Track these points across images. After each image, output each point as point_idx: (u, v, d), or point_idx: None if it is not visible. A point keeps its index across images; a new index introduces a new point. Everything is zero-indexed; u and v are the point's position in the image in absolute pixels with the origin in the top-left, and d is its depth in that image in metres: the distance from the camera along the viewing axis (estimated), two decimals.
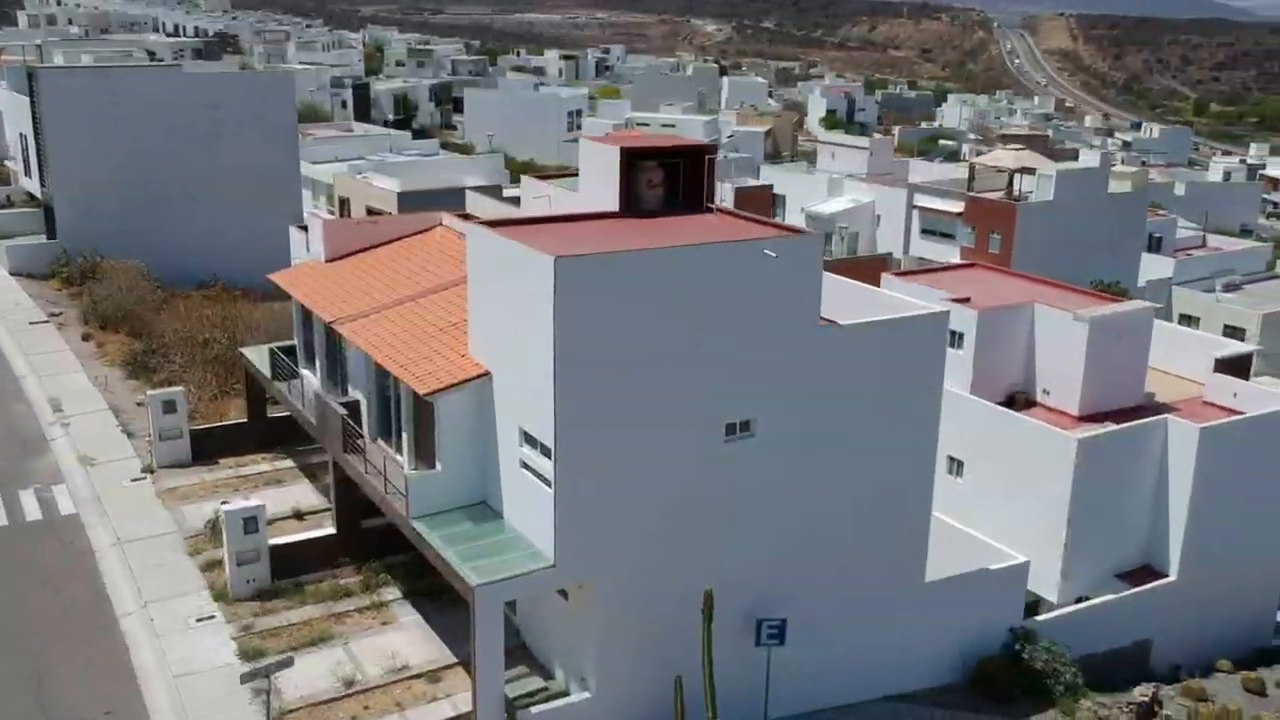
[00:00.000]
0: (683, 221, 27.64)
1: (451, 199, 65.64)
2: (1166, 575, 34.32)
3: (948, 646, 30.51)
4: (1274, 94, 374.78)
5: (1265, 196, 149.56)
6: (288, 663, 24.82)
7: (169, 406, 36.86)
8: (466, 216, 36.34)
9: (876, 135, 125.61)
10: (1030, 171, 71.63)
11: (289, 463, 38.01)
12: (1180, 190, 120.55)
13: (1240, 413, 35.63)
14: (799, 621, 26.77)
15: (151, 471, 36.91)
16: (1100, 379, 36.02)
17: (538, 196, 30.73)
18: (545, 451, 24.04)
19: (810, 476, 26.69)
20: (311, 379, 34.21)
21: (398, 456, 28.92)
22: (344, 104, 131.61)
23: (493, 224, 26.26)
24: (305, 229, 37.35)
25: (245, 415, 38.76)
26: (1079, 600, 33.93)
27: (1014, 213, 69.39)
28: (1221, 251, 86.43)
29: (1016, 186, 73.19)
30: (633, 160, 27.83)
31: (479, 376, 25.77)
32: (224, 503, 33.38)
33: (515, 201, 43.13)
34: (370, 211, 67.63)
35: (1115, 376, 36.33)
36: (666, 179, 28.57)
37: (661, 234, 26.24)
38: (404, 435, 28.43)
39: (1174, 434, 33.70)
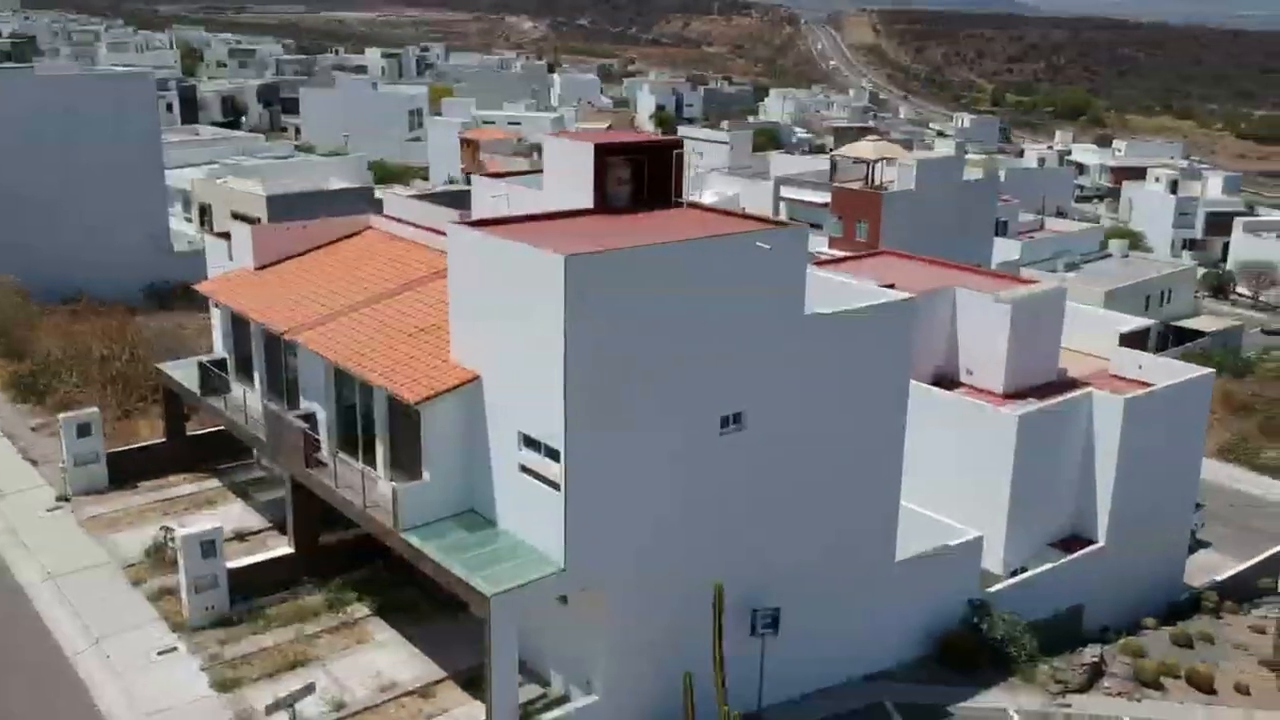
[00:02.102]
0: (659, 217, 27.56)
1: (322, 202, 63.84)
2: (1095, 542, 36.06)
3: (915, 623, 31.35)
4: (1061, 84, 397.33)
5: (1076, 181, 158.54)
6: (310, 689, 23.74)
7: (83, 430, 34.66)
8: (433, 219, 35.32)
9: (725, 126, 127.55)
10: (890, 161, 74.07)
11: (215, 482, 36.26)
12: (1001, 177, 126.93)
13: (1147, 383, 37.71)
14: (784, 609, 27.08)
15: (67, 500, 34.67)
16: (1022, 358, 37.51)
17: (495, 195, 30.07)
18: (552, 454, 23.62)
19: (795, 464, 27.02)
20: (248, 393, 32.64)
21: (366, 468, 27.91)
22: (169, 107, 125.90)
23: (474, 224, 25.61)
24: (226, 236, 35.60)
25: (163, 435, 36.72)
26: (1017, 571, 35.33)
27: (879, 201, 71.66)
28: (1060, 234, 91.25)
29: (876, 176, 75.62)
30: (604, 157, 27.56)
31: (468, 381, 25.12)
32: (165, 528, 31.85)
33: (452, 201, 42.06)
34: (236, 218, 65.08)
35: (1034, 355, 37.92)
36: (634, 175, 28.42)
37: (646, 230, 26.11)
38: (379, 446, 27.46)
39: (1099, 406, 35.47)
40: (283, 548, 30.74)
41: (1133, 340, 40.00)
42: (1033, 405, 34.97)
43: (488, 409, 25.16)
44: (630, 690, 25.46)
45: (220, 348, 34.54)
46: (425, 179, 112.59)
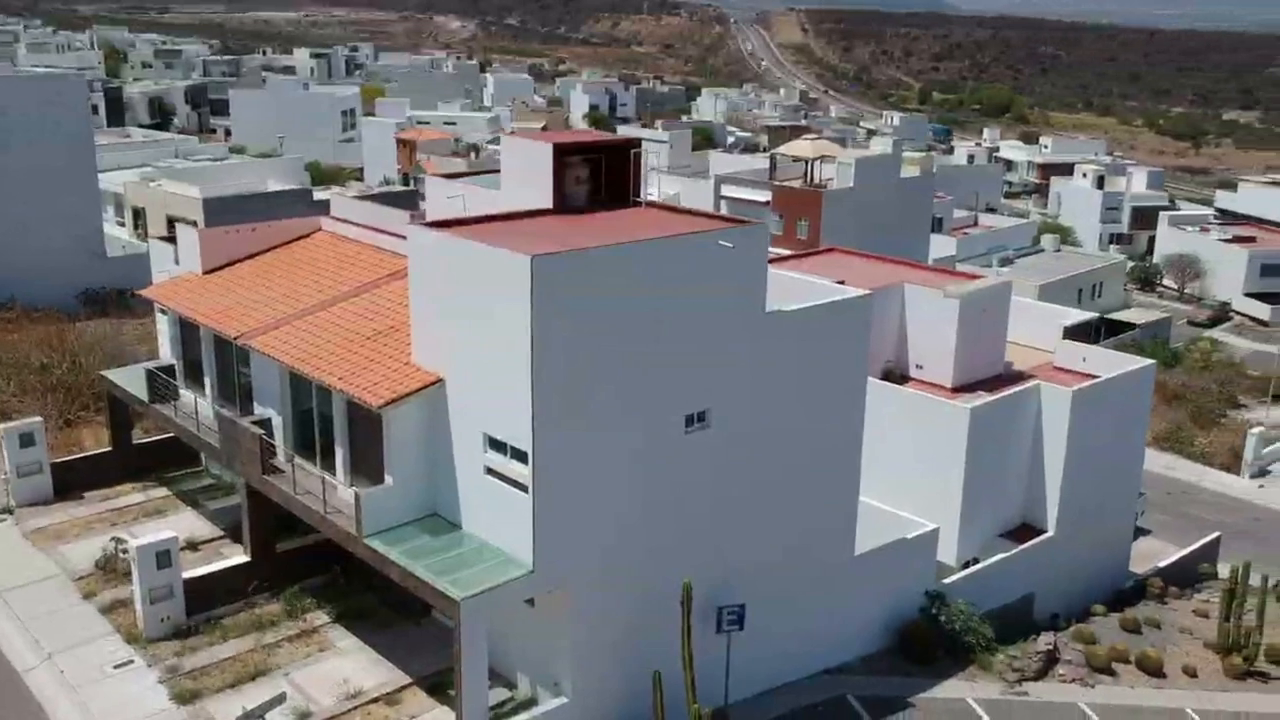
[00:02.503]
0: (618, 216, 27.54)
1: (260, 204, 62.90)
2: (1045, 531, 36.69)
3: (874, 615, 31.69)
4: (986, 82, 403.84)
5: (1004, 178, 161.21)
6: (281, 699, 23.36)
7: (26, 439, 33.82)
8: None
9: (659, 125, 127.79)
10: (829, 159, 74.73)
11: (164, 491, 35.56)
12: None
13: (1091, 375, 38.44)
14: (748, 606, 27.18)
15: (10, 511, 33.77)
16: (970, 351, 38.06)
17: (451, 196, 29.81)
18: (519, 456, 23.51)
19: (757, 461, 27.15)
20: (199, 400, 32.04)
21: (324, 474, 27.54)
22: (95, 109, 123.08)
23: (434, 225, 25.38)
24: (172, 239, 34.92)
25: (108, 444, 35.92)
26: (969, 562, 35.84)
27: (820, 199, 72.27)
28: (993, 229, 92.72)
29: (815, 174, 76.25)
30: (563, 157, 27.48)
31: (432, 384, 24.91)
32: (115, 540, 31.18)
33: (396, 202, 41.59)
34: (171, 222, 63.91)
35: (982, 348, 38.49)
36: (592, 175, 28.39)
37: (607, 229, 26.06)
38: (338, 451, 27.12)
39: (1047, 398, 36.08)
40: (238, 556, 30.23)
41: (1076, 333, 40.73)
42: (984, 398, 35.48)
43: (451, 411, 24.96)
44: (599, 690, 25.44)
45: (168, 353, 33.84)
46: (360, 180, 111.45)
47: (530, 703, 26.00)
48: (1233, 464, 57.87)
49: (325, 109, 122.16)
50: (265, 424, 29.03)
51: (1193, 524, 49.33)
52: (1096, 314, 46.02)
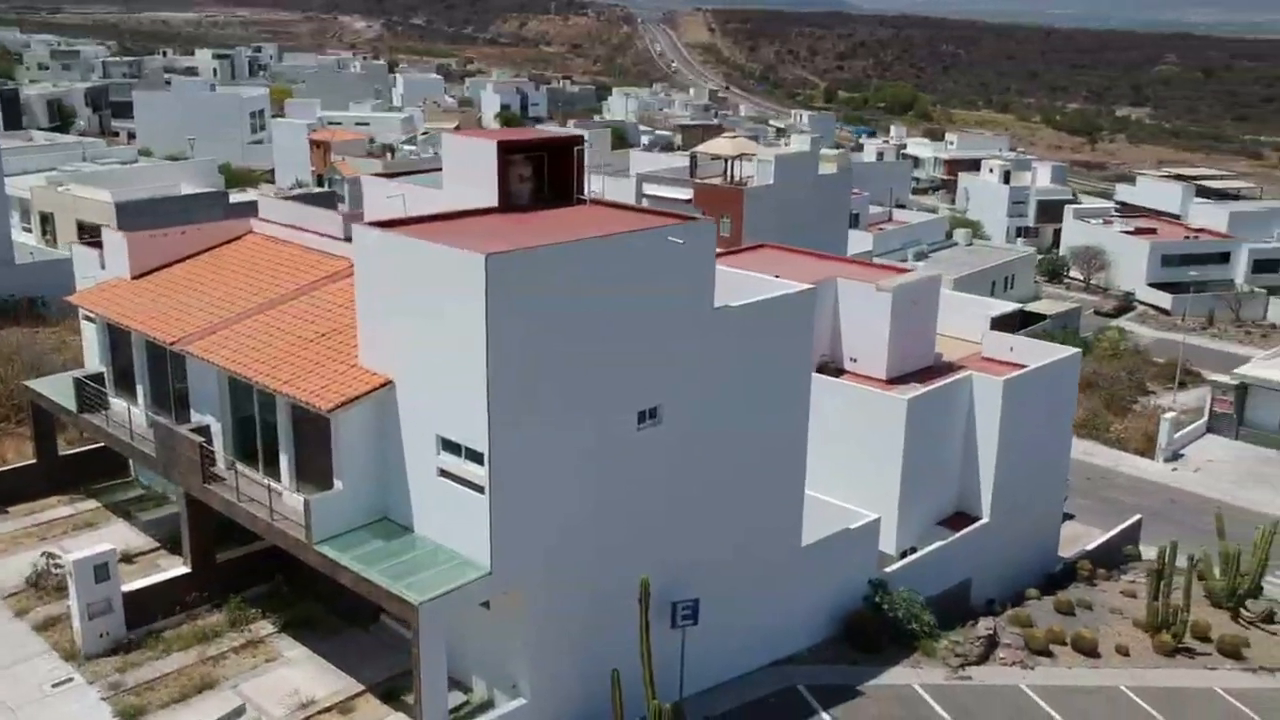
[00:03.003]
0: (563, 214, 27.43)
1: (175, 208, 61.44)
2: (980, 518, 37.44)
3: (820, 606, 32.02)
4: (890, 80, 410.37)
5: (913, 174, 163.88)
6: (240, 711, 22.79)
7: None
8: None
9: (572, 125, 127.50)
10: (750, 157, 75.25)
11: (93, 503, 34.54)
12: None
13: (1019, 365, 39.33)
14: (700, 600, 27.30)
15: None
16: (902, 344, 38.65)
17: (390, 196, 29.37)
18: (474, 457, 23.30)
19: (708, 456, 27.28)
20: (131, 409, 31.16)
21: (267, 480, 27.00)
22: None
23: (381, 225, 25.02)
24: (97, 244, 33.91)
25: (32, 456, 34.78)
26: (907, 551, 36.41)
27: (741, 197, 72.73)
28: (908, 224, 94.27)
29: (735, 172, 76.71)
30: (507, 155, 27.29)
31: (381, 386, 24.57)
32: (46, 554, 30.27)
33: (318, 203, 40.82)
34: (82, 228, 62.10)
35: (914, 340, 39.13)
36: (535, 173, 28.25)
37: (554, 227, 25.95)
38: (283, 457, 26.60)
39: (979, 388, 36.84)
40: (177, 567, 29.47)
41: (1001, 324, 41.62)
42: (920, 389, 36.09)
43: (401, 414, 24.65)
44: (557, 690, 25.34)
45: (96, 361, 32.84)
46: (271, 182, 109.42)
47: (487, 705, 25.80)
48: (1147, 449, 59.66)
49: (233, 110, 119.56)
50: (204, 431, 28.36)
51: (1112, 508, 50.75)
52: (1019, 305, 47.07)
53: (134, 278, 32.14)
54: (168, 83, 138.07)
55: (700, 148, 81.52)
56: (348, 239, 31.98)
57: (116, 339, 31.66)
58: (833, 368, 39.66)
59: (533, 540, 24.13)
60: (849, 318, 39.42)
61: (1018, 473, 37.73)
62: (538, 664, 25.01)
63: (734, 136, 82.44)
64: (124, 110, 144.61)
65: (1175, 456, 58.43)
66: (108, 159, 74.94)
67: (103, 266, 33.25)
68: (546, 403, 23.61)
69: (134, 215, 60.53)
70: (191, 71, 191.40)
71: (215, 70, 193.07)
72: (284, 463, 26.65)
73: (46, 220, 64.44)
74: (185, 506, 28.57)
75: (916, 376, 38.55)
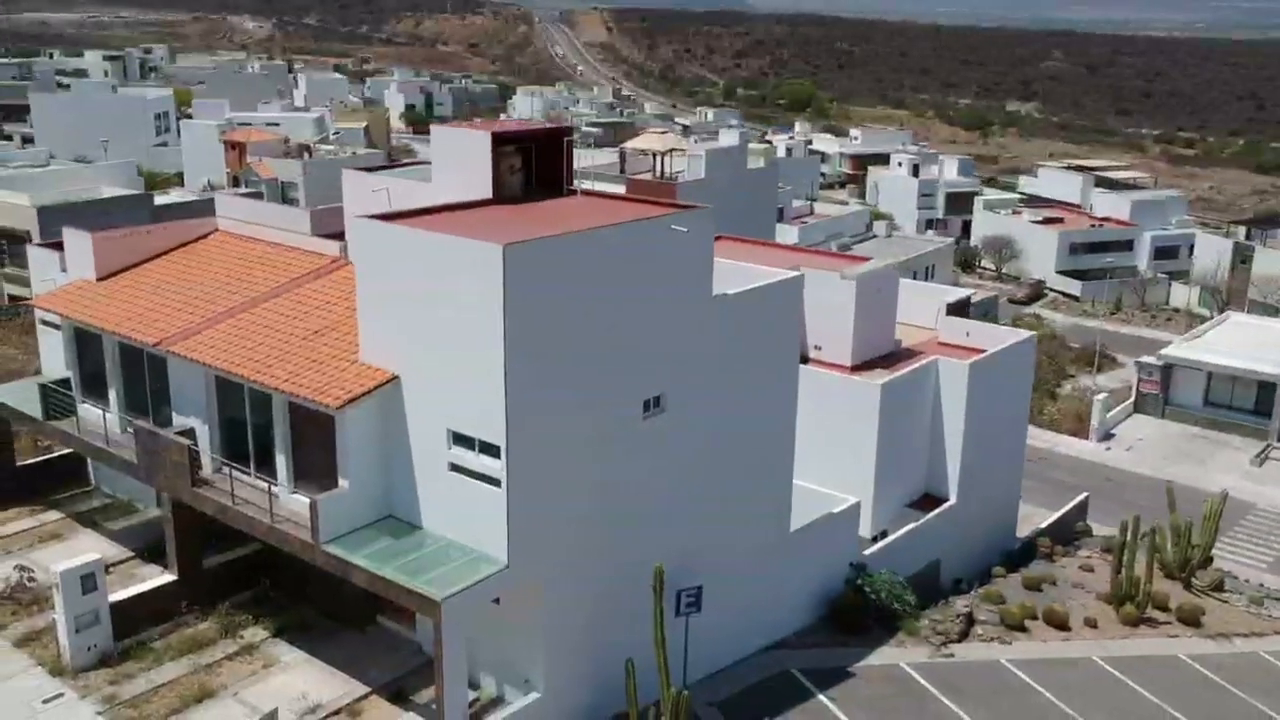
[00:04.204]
0: (558, 205, 27.33)
1: (99, 211, 59.52)
2: (947, 499, 38.22)
3: (806, 590, 32.40)
4: (787, 79, 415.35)
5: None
6: (273, 716, 22.19)
7: None
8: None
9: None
10: (680, 153, 75.55)
11: (55, 514, 33.35)
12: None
13: (975, 349, 40.22)
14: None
15: None
16: (866, 331, 39.18)
17: (376, 190, 28.82)
18: (490, 450, 23.07)
19: (707, 443, 27.41)
20: (106, 415, 30.07)
21: (268, 481, 26.37)
22: None
23: (383, 218, 24.60)
24: (57, 246, 32.70)
25: None
26: (881, 534, 37.01)
27: (674, 191, 72.88)
28: (831, 217, 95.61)
29: (664, 167, 76.95)
30: (498, 147, 27.07)
31: (388, 382, 24.19)
32: (19, 567, 29.27)
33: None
34: (0, 233, 60.01)
35: (876, 327, 39.71)
36: (524, 164, 28.07)
37: (554, 217, 25.82)
38: (280, 457, 26.01)
39: (945, 372, 37.60)
40: (159, 576, 28.60)
41: (956, 310, 42.53)
42: (891, 374, 36.68)
43: (408, 409, 24.29)
44: (569, 683, 25.25)
45: (61, 366, 31.65)
46: (180, 185, 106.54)
47: (497, 701, 25.56)
48: (1078, 429, 61.46)
49: (136, 112, 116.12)
50: (188, 434, 27.58)
51: (1054, 487, 52.21)
52: (970, 291, 48.28)
53: (100, 279, 31.08)
54: (66, 86, 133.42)
55: (629, 143, 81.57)
56: (322, 235, 31.52)
57: (84, 342, 30.59)
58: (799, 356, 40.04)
59: (547, 532, 24.01)
60: (813, 306, 39.64)
61: (982, 454, 38.60)
62: (550, 657, 24.88)
63: (663, 133, 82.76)
64: (16, 112, 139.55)
65: (1107, 436, 60.32)
66: (17, 162, 72.22)
67: (63, 269, 32.07)
68: (559, 393, 23.50)
69: (56, 219, 58.38)
70: (81, 73, 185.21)
71: (106, 72, 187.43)
72: (281, 463, 26.05)
73: None
74: (171, 512, 27.75)
75: (879, 363, 39.16)
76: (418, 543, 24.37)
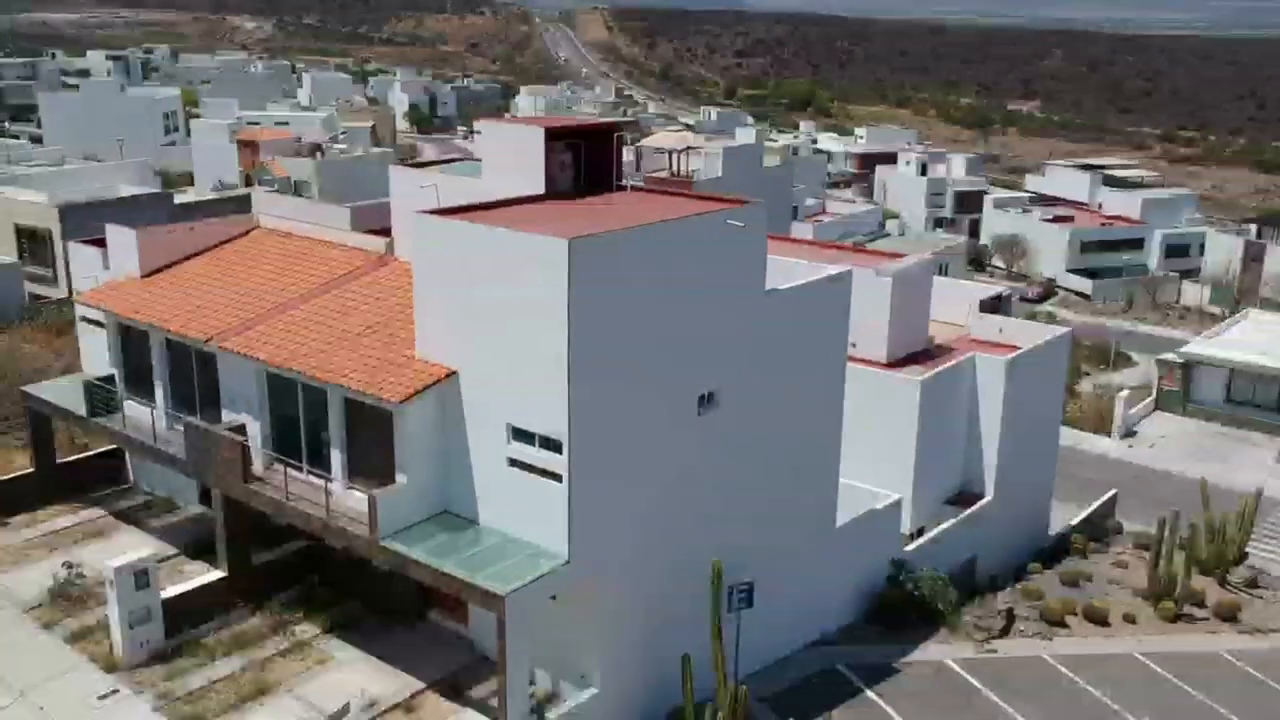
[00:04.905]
0: (610, 200, 27.32)
1: (120, 209, 59.35)
2: (983, 496, 38.18)
3: (850, 586, 32.39)
4: (788, 78, 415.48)
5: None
6: (345, 710, 22.15)
7: None
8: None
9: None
10: (697, 150, 75.51)
11: (98, 511, 33.27)
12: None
13: (1010, 345, 40.18)
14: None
15: None
16: (901, 327, 39.13)
17: (425, 185, 28.76)
18: (551, 445, 23.03)
19: (758, 439, 27.39)
20: (150, 410, 30.01)
21: (310, 478, 26.35)
22: None
23: (442, 214, 24.55)
24: (100, 243, 32.62)
25: (28, 464, 33.38)
26: (915, 532, 36.97)
27: (691, 189, 72.86)
28: (843, 216, 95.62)
29: (680, 165, 76.91)
30: (550, 142, 27.03)
31: (447, 377, 24.14)
32: (67, 564, 29.12)
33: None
34: (21, 232, 59.90)
35: (911, 324, 39.65)
36: (574, 160, 28.04)
37: (609, 212, 25.83)
38: (334, 453, 25.96)
39: (982, 368, 37.56)
40: (212, 573, 28.51)
41: (988, 306, 42.50)
42: (929, 370, 36.64)
43: (466, 404, 24.25)
44: (626, 678, 25.22)
45: (103, 364, 31.57)
46: (190, 184, 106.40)
47: (552, 697, 25.52)
48: (1100, 427, 61.43)
49: (144, 112, 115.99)
50: (239, 431, 27.53)
51: (1079, 484, 52.02)
52: (1003, 288, 48.27)
53: (144, 276, 31.02)
54: (75, 86, 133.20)
55: (645, 141, 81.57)
56: (368, 231, 31.50)
57: (129, 339, 30.53)
58: None
59: (606, 528, 23.98)
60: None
61: (1017, 450, 38.55)
62: (608, 653, 24.85)
63: (679, 130, 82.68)
64: (24, 113, 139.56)
65: (1129, 433, 60.29)
66: (34, 161, 72.12)
67: (105, 265, 32.02)
68: (618, 388, 23.48)
69: (79, 218, 58.49)
70: (84, 74, 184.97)
71: (109, 72, 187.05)
72: (335, 459, 26.00)
73: None
74: (222, 509, 27.68)
75: (914, 359, 39.09)
76: (475, 538, 24.33)
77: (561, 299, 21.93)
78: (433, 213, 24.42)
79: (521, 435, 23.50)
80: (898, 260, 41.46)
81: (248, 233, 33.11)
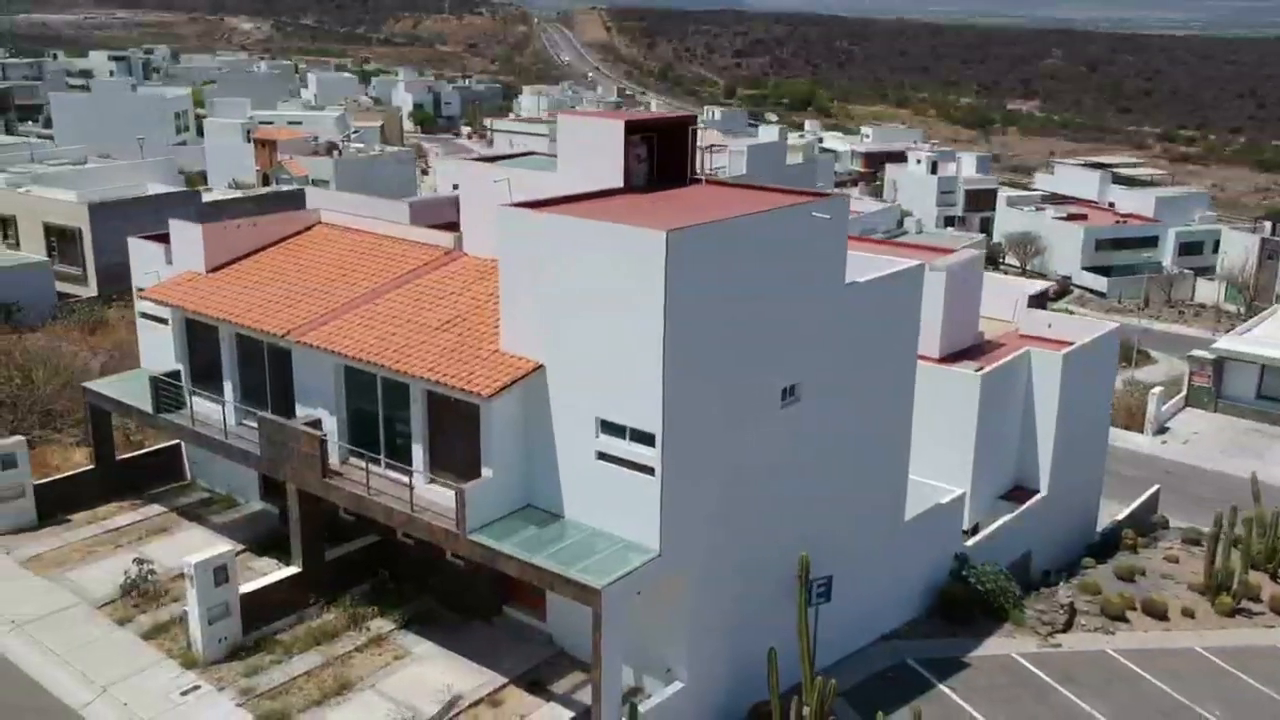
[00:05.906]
0: (687, 193, 27.23)
1: (149, 207, 59.20)
2: (1038, 491, 38.12)
3: (917, 580, 32.33)
4: (787, 77, 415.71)
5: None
6: (446, 710, 22.04)
7: (7, 461, 31.05)
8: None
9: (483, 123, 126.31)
10: (720, 149, 75.49)
11: (158, 508, 33.15)
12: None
13: (1060, 341, 40.11)
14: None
15: None
16: (953, 322, 39.11)
17: (497, 180, 28.60)
18: (643, 439, 22.91)
19: (836, 433, 27.32)
20: (220, 405, 29.86)
21: (389, 472, 26.23)
22: None
23: (533, 206, 24.43)
24: (163, 239, 32.48)
25: (88, 461, 33.26)
26: (974, 526, 36.91)
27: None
28: (862, 214, 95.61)
29: (704, 162, 76.84)
30: (630, 135, 26.93)
31: (533, 371, 24.03)
32: (137, 561, 29.05)
33: (285, 202, 39.64)
34: (50, 230, 59.70)
35: (962, 319, 39.64)
36: (649, 153, 27.95)
37: (690, 205, 25.72)
38: (416, 447, 25.83)
39: (1038, 363, 37.51)
40: (285, 568, 28.37)
41: (1036, 302, 42.48)
42: (988, 364, 36.59)
43: (553, 397, 24.13)
44: (713, 672, 25.14)
45: (166, 359, 31.42)
46: (204, 183, 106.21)
47: (636, 691, 25.41)
48: (1130, 423, 61.38)
49: (156, 111, 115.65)
50: (315, 425, 27.40)
51: (1116, 479, 51.88)
52: (1050, 284, 48.25)
53: (209, 271, 30.88)
54: (79, 86, 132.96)
55: None
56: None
57: (195, 334, 30.39)
58: None
59: (694, 521, 23.89)
60: None
61: (1072, 445, 38.50)
62: (695, 647, 24.74)
63: (703, 129, 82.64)
64: (31, 112, 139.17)
65: (1162, 430, 60.28)
66: (57, 160, 71.90)
67: (168, 261, 31.88)
68: (708, 381, 23.38)
69: (108, 216, 58.52)
70: (87, 74, 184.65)
71: (111, 72, 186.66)
72: (417, 453, 25.86)
73: (7, 223, 61.61)
74: (298, 504, 27.53)
75: (966, 354, 39.05)
76: (561, 531, 24.22)
77: (658, 291, 21.83)
78: (522, 205, 24.28)
79: (611, 429, 23.38)
80: (949, 255, 41.40)
81: (310, 228, 32.95)
